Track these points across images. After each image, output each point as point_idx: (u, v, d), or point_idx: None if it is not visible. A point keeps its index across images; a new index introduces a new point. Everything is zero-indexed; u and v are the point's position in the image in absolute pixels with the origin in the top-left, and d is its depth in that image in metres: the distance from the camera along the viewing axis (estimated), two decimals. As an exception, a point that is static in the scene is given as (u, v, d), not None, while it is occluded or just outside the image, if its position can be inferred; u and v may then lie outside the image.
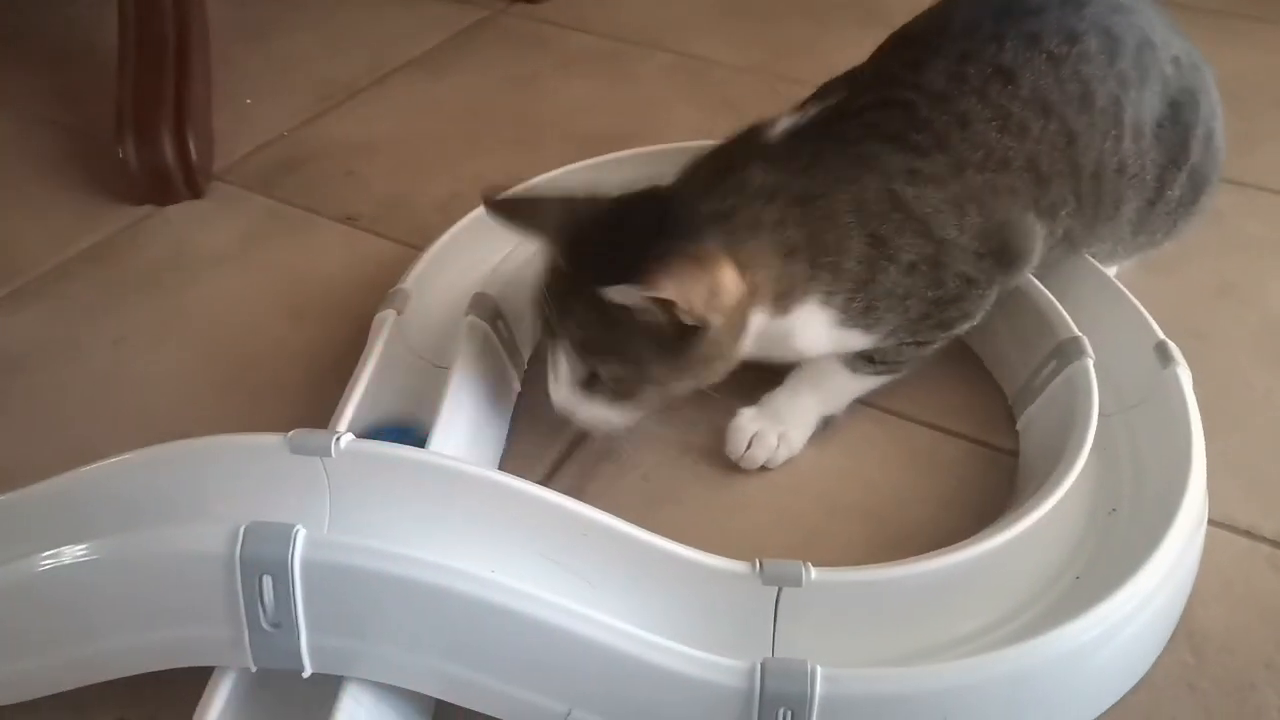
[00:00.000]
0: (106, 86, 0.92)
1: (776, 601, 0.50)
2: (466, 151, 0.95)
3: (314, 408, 0.62)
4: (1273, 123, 0.92)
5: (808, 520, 0.62)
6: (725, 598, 0.50)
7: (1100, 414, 0.61)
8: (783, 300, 0.59)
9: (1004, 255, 0.62)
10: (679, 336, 0.56)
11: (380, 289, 0.69)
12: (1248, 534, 0.61)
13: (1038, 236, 0.63)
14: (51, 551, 0.47)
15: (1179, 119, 0.66)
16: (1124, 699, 0.51)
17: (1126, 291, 0.68)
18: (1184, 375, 0.61)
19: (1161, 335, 0.64)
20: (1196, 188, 0.69)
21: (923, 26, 0.67)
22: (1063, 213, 0.64)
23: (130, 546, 0.47)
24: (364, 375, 0.61)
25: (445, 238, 0.73)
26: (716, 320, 0.55)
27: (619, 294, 0.53)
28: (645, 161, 0.79)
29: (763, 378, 0.66)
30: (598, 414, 0.59)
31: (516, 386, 0.69)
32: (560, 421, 0.67)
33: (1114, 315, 0.67)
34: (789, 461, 0.65)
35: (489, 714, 0.47)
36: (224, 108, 0.96)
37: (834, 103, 0.62)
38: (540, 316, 0.59)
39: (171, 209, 0.86)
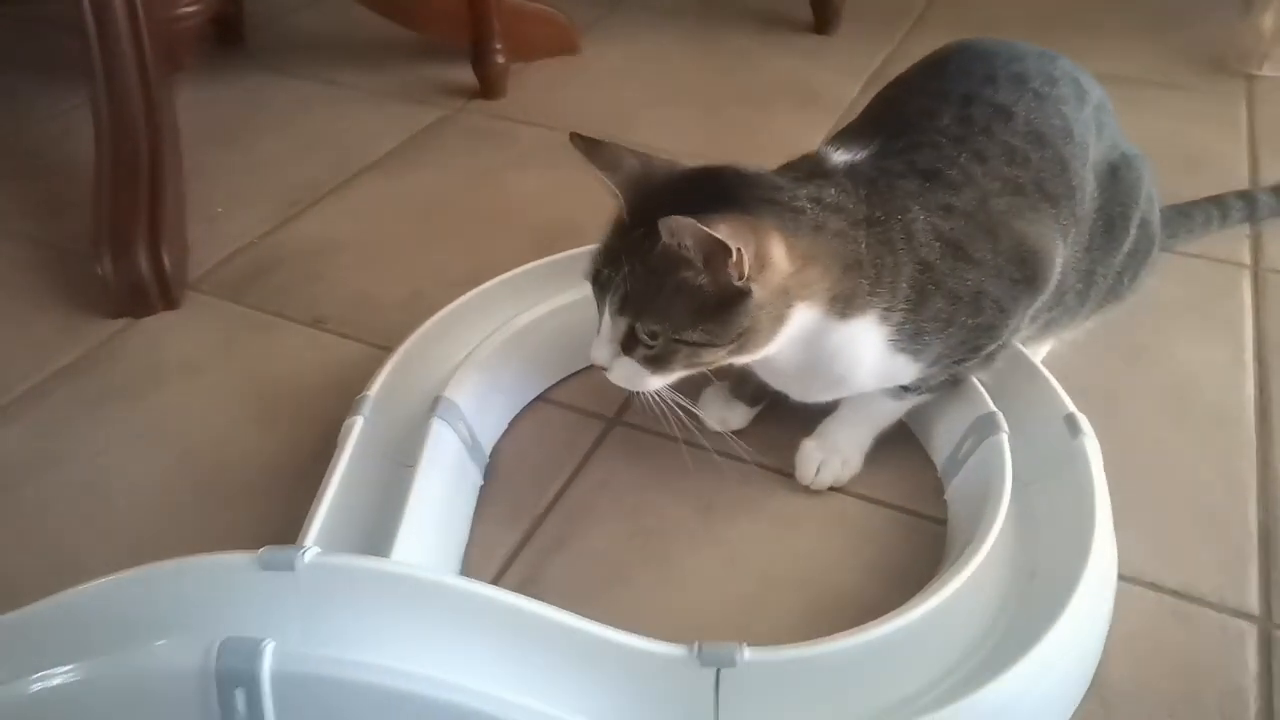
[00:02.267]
0: (83, 199, 0.96)
1: (716, 682, 0.54)
2: (427, 248, 1.00)
3: (288, 512, 0.66)
4: (1180, 185, 0.99)
5: (746, 594, 0.66)
6: (668, 681, 0.54)
7: (1019, 482, 0.66)
8: (840, 305, 0.62)
9: (1033, 277, 0.67)
10: (719, 301, 0.59)
11: (348, 390, 0.73)
12: (1153, 587, 0.66)
13: (1059, 253, 0.69)
14: (42, 674, 0.51)
15: (1126, 176, 0.74)
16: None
17: (1040, 366, 0.74)
18: (1090, 445, 0.66)
19: (1071, 408, 0.69)
20: (1147, 241, 0.78)
21: (921, 78, 0.74)
22: (1071, 232, 0.70)
23: (113, 666, 0.50)
24: (331, 484, 0.65)
25: (409, 342, 0.77)
26: (760, 287, 0.58)
27: (674, 225, 0.56)
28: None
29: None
30: (630, 373, 0.62)
31: (478, 481, 0.73)
32: (517, 512, 0.72)
33: (1029, 389, 0.73)
34: (725, 539, 0.70)
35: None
36: (197, 216, 1.01)
37: (878, 145, 0.67)
38: (594, 268, 0.62)
39: (148, 320, 0.90)
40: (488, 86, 1.29)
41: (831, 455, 0.73)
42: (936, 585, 0.59)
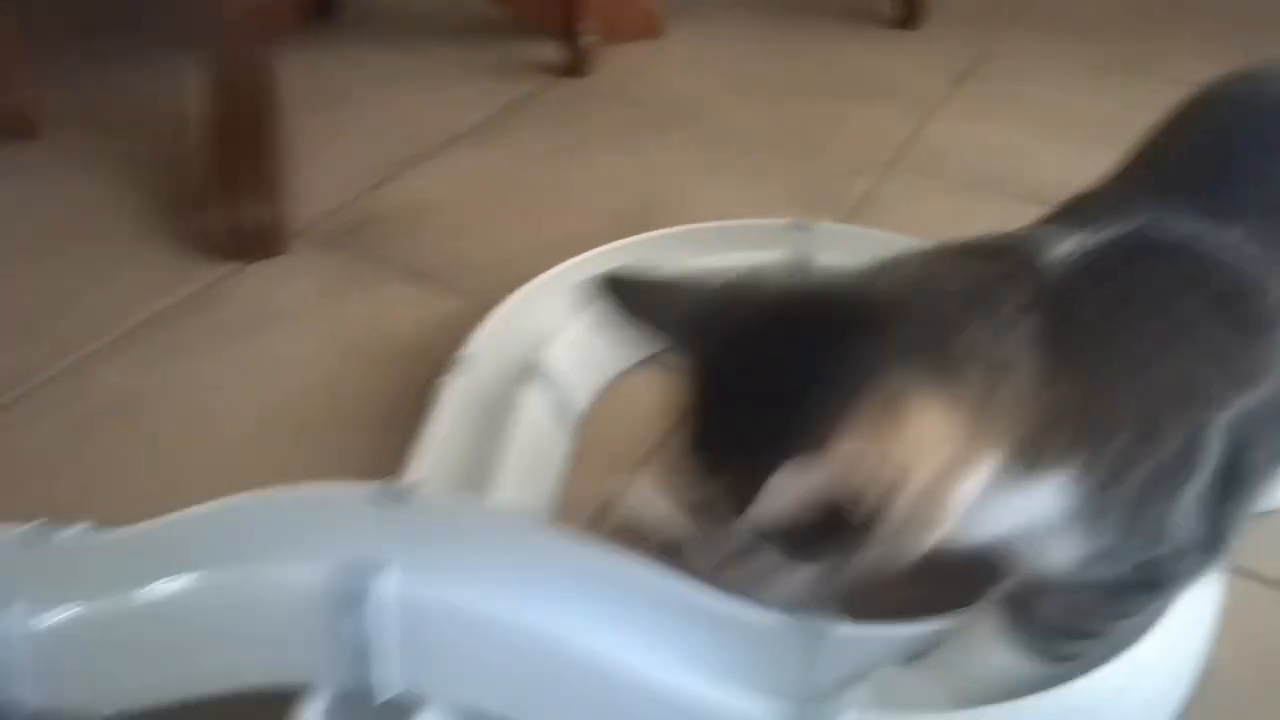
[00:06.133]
0: (193, 153, 1.01)
1: (813, 651, 0.55)
2: (517, 215, 1.03)
3: (384, 454, 0.68)
4: None
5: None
6: (766, 646, 0.55)
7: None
8: (1024, 460, 0.44)
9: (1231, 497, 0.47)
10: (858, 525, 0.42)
11: (444, 342, 0.76)
12: (1258, 579, 0.65)
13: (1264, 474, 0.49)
14: (165, 580, 0.54)
15: None
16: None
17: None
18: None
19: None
20: None
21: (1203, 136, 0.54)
22: None
23: (236, 578, 0.53)
24: (429, 434, 0.67)
25: (504, 306, 0.79)
26: (911, 480, 0.42)
27: (778, 493, 0.42)
28: (694, 239, 0.86)
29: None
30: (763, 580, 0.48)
31: (567, 446, 0.75)
32: (610, 469, 0.73)
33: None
34: None
35: (547, 739, 0.52)
36: (298, 174, 1.05)
37: (1133, 228, 0.47)
38: (688, 499, 0.47)
39: (253, 267, 0.94)
40: (574, 66, 1.31)
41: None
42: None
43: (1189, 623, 0.56)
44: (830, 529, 0.43)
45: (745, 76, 1.32)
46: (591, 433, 0.76)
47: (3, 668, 0.54)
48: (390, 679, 0.51)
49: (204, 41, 1.00)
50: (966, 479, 0.44)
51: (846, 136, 1.16)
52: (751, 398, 0.43)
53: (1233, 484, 0.48)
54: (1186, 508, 0.47)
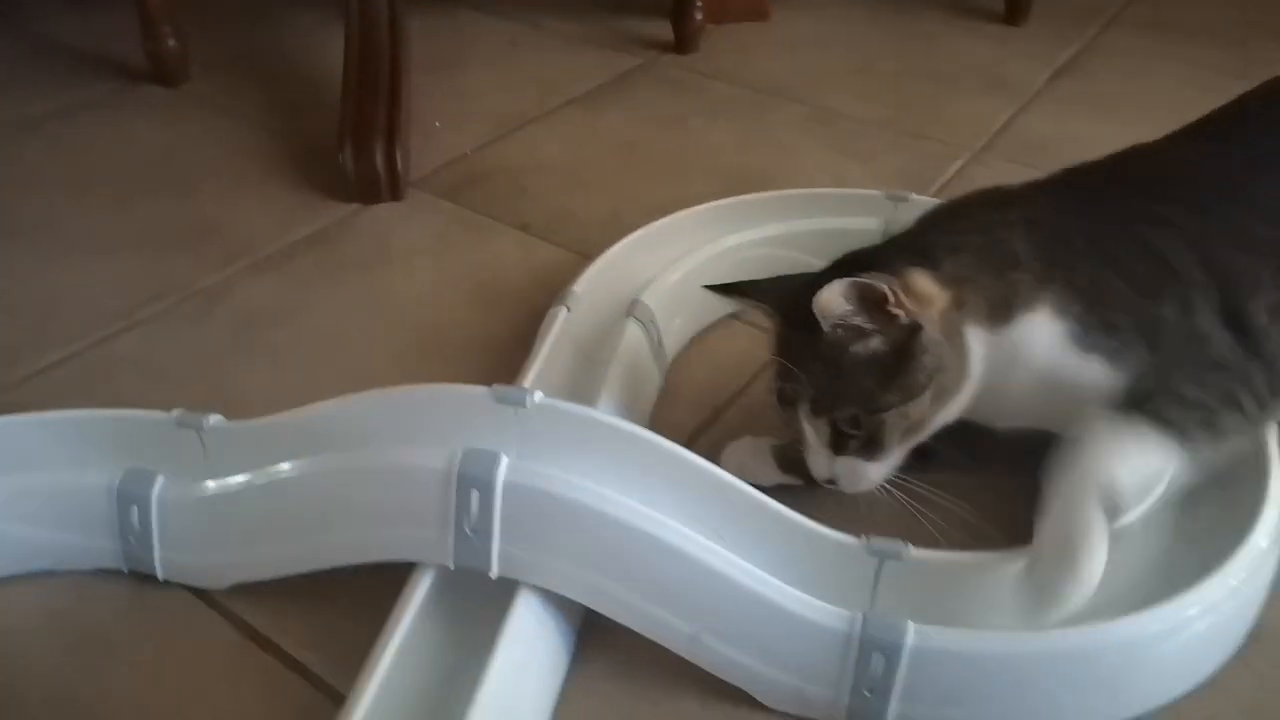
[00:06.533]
0: (321, 103, 1.10)
1: (878, 572, 0.59)
2: (623, 177, 1.08)
3: (492, 377, 0.73)
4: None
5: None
6: (835, 563, 0.59)
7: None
8: (1001, 310, 0.59)
9: (1248, 339, 0.58)
10: (898, 354, 0.58)
11: (547, 288, 0.82)
12: None
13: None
14: (300, 461, 0.61)
15: None
16: (1191, 693, 0.57)
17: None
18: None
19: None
20: None
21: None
22: None
23: (366, 459, 0.59)
24: (539, 356, 0.73)
25: (611, 251, 0.85)
26: (927, 321, 0.58)
27: (823, 300, 0.57)
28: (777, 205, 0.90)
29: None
30: (851, 471, 0.61)
31: (660, 381, 0.80)
32: (697, 406, 0.77)
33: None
34: None
35: (634, 628, 0.57)
36: (417, 129, 1.12)
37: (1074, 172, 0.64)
38: (776, 389, 0.63)
39: (377, 208, 1.02)
40: (683, 42, 1.35)
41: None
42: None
43: (1244, 582, 0.58)
44: (885, 365, 0.58)
45: (849, 60, 1.35)
46: (679, 376, 0.81)
47: (149, 532, 0.62)
48: (496, 561, 0.57)
49: (348, 4, 1.08)
50: (969, 329, 0.59)
51: (945, 121, 1.18)
52: (807, 313, 0.59)
53: (1247, 331, 0.59)
54: (1218, 335, 0.58)
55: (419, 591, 0.57)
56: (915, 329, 0.58)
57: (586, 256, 0.86)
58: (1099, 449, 0.57)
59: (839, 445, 0.61)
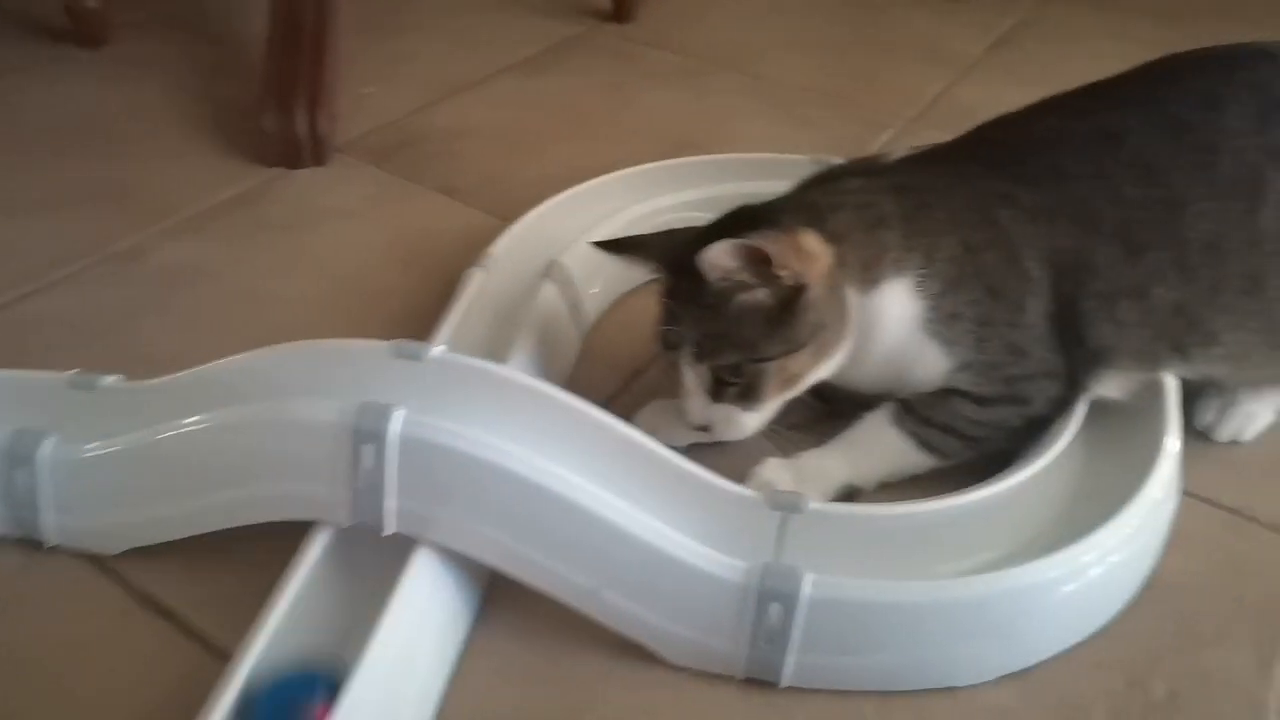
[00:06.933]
0: (245, 65, 1.07)
1: (781, 525, 0.59)
2: (556, 142, 1.07)
3: (409, 336, 0.73)
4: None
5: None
6: (738, 517, 0.59)
7: (1097, 408, 0.68)
8: (870, 273, 0.62)
9: (1069, 335, 0.62)
10: (782, 306, 0.59)
11: (474, 250, 0.80)
12: (1211, 503, 0.68)
13: (1107, 331, 0.63)
14: (195, 417, 0.59)
15: None
16: (1084, 643, 0.58)
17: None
18: (1169, 379, 0.68)
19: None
20: None
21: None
22: (1159, 290, 0.63)
23: (260, 414, 0.58)
24: (451, 317, 0.72)
25: (532, 214, 0.84)
26: (811, 281, 0.59)
27: (709, 256, 0.57)
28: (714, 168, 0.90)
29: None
30: (731, 419, 0.62)
31: (578, 344, 0.79)
32: (613, 369, 0.77)
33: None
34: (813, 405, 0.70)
35: (534, 585, 0.56)
36: (348, 93, 1.10)
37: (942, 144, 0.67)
38: (660, 334, 0.64)
39: (299, 173, 1.00)
40: (621, 10, 1.34)
41: (784, 482, 0.63)
42: (1003, 475, 0.62)
43: (1138, 530, 0.59)
44: (769, 316, 0.59)
45: (791, 31, 1.34)
46: (598, 338, 0.80)
47: (36, 494, 0.60)
48: (392, 518, 0.56)
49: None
50: (848, 290, 0.61)
51: (879, 92, 1.18)
52: (691, 263, 0.59)
53: (1069, 333, 0.63)
54: (1036, 337, 0.63)
55: (313, 550, 0.56)
56: (800, 288, 0.60)
57: (512, 218, 0.84)
58: (859, 447, 0.65)
59: (718, 393, 0.62)
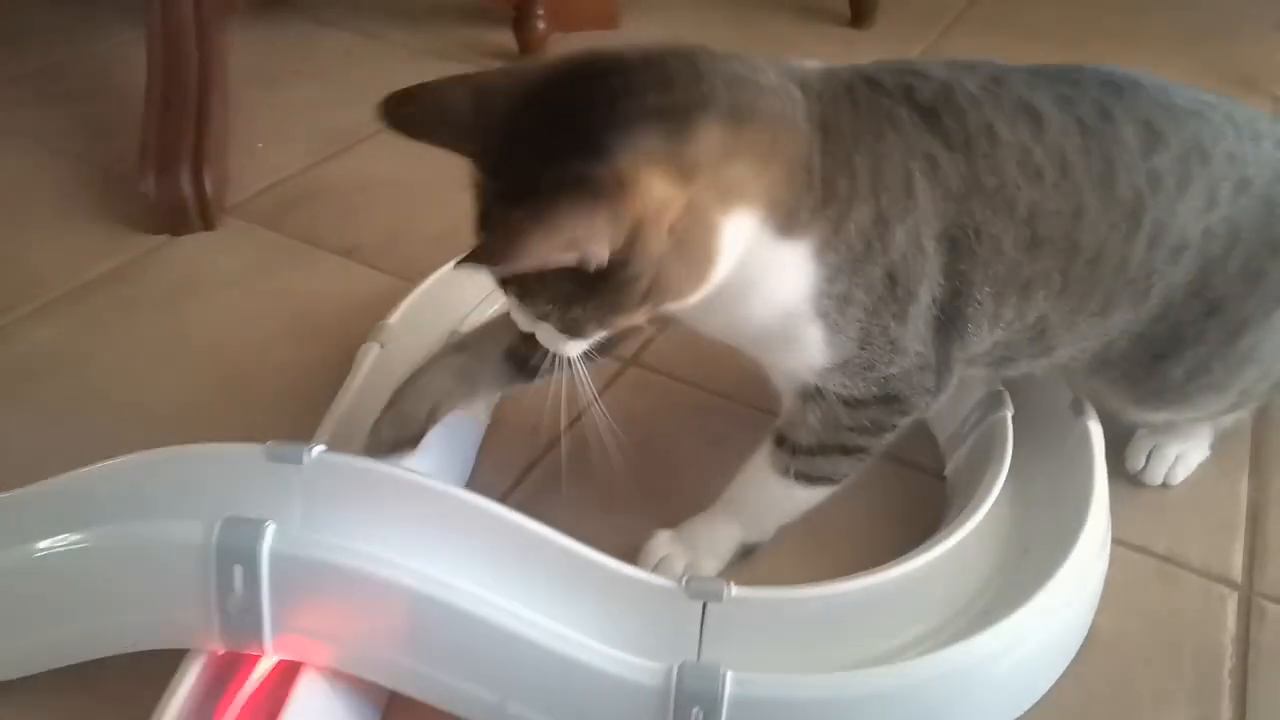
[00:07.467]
0: (127, 123, 0.99)
1: (703, 614, 0.55)
2: (461, 194, 1.01)
3: (304, 424, 0.67)
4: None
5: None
6: (656, 610, 0.55)
7: (1021, 464, 0.66)
8: (782, 216, 0.51)
9: (950, 327, 0.57)
10: (598, 278, 0.48)
11: (374, 316, 0.75)
12: (1143, 550, 0.67)
13: (985, 328, 0.59)
14: (48, 540, 0.53)
15: (1230, 251, 0.59)
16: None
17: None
18: (1094, 427, 0.66)
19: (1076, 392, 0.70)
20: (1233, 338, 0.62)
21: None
22: (1040, 294, 0.58)
23: (118, 536, 0.52)
24: (345, 400, 0.67)
25: (432, 277, 0.79)
26: (639, 252, 0.48)
27: (491, 265, 0.48)
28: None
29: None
30: (553, 339, 0.54)
31: (485, 420, 0.75)
32: (530, 438, 0.72)
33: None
34: (729, 471, 0.66)
35: (434, 704, 0.51)
36: (238, 150, 1.04)
37: (871, 64, 0.57)
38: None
39: (185, 239, 0.93)
40: (527, 51, 1.30)
41: (680, 553, 0.62)
42: (929, 545, 0.60)
43: (1074, 593, 0.57)
44: (584, 284, 0.49)
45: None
46: (509, 407, 0.76)
47: None
48: (270, 643, 0.50)
49: (148, 12, 0.99)
50: (728, 223, 0.50)
51: (800, 50, 1.17)
52: (503, 173, 0.50)
53: (951, 325, 0.58)
54: (916, 332, 0.57)
55: (186, 682, 0.50)
56: (624, 262, 0.48)
57: (413, 280, 0.80)
58: (745, 505, 0.63)
59: (540, 316, 0.53)
